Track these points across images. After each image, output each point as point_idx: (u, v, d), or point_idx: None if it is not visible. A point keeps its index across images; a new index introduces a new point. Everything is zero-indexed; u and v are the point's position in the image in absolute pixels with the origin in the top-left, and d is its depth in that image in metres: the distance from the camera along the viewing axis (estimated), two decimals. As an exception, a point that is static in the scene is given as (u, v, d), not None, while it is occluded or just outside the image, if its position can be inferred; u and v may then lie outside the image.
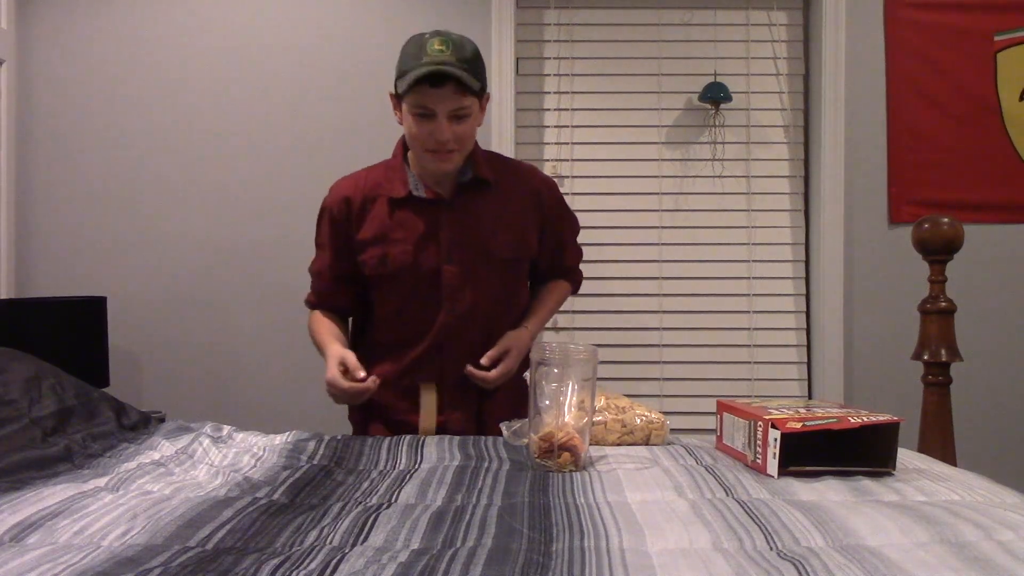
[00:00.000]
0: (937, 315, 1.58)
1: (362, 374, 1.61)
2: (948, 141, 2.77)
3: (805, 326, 2.86)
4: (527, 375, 1.35)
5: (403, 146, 1.76)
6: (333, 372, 1.62)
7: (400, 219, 1.70)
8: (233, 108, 2.77)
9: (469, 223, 1.71)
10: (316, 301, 1.85)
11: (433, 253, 1.69)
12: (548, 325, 2.78)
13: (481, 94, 1.65)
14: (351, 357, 1.64)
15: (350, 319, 1.88)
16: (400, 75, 1.61)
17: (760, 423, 1.25)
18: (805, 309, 2.87)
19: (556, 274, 1.91)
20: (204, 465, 1.31)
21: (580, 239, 1.94)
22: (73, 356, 2.35)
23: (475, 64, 1.61)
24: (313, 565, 0.84)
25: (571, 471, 1.26)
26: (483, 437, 1.52)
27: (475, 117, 1.65)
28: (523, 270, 1.82)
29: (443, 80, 1.56)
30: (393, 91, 1.67)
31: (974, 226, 2.68)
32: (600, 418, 1.46)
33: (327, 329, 1.77)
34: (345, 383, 1.60)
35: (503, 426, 1.49)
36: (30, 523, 0.98)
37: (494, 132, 2.76)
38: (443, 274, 1.69)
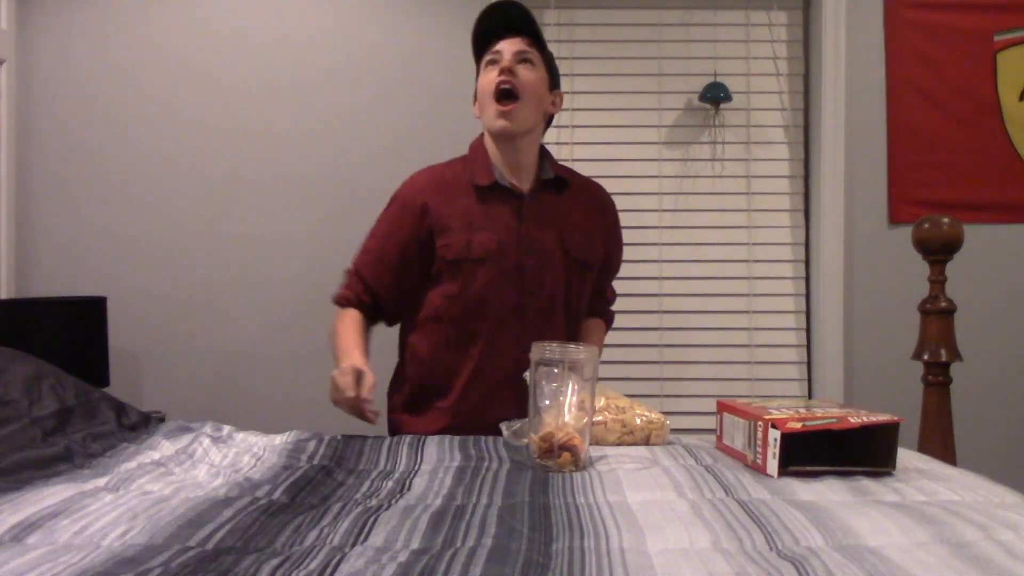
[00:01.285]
0: (937, 315, 1.58)
1: (370, 397, 1.53)
2: (948, 141, 2.77)
3: (805, 326, 2.86)
4: (527, 375, 1.35)
5: (481, 138, 1.80)
6: (346, 377, 1.54)
7: (484, 207, 1.71)
8: (233, 108, 2.77)
9: (547, 219, 1.74)
10: (355, 295, 1.79)
11: (515, 244, 1.71)
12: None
13: (544, 50, 1.74)
14: (370, 377, 1.54)
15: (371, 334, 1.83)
16: (473, 44, 1.76)
17: (760, 423, 1.25)
18: (805, 309, 2.87)
19: (597, 303, 1.92)
20: (204, 465, 1.31)
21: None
22: (73, 356, 2.35)
23: (530, 14, 1.73)
24: (313, 565, 0.84)
25: (571, 471, 1.26)
26: (483, 437, 1.52)
27: (540, 73, 1.72)
28: (589, 277, 1.83)
29: (507, 25, 1.70)
30: (475, 87, 1.77)
31: (974, 226, 2.68)
32: (600, 418, 1.46)
33: (353, 334, 1.72)
34: (351, 386, 1.52)
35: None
36: (30, 523, 0.98)
37: (494, 132, 2.75)
38: (525, 265, 1.71)
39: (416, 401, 1.79)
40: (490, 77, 1.70)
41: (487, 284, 1.70)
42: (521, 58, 1.69)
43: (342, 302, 1.82)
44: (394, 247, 1.76)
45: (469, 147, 1.82)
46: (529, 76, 1.69)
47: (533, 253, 1.72)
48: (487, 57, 1.72)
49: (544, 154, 1.81)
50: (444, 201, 1.73)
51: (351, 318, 1.77)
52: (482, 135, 1.81)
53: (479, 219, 1.71)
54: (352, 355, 1.63)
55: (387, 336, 1.90)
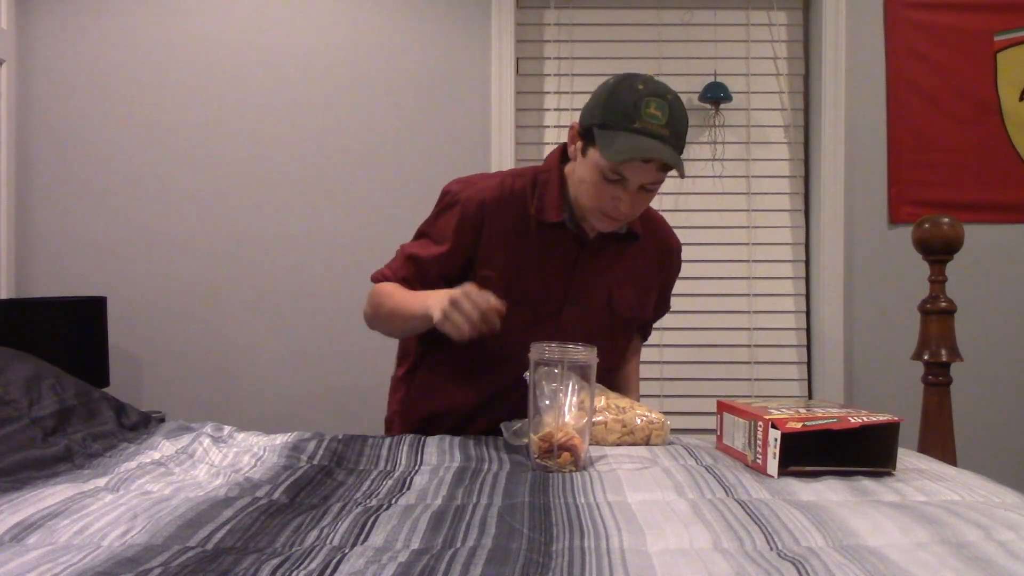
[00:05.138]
0: (937, 315, 1.58)
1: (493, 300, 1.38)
2: (948, 141, 2.77)
3: (805, 326, 2.86)
4: (527, 375, 1.35)
5: (559, 160, 1.61)
6: (468, 287, 1.40)
7: (541, 245, 1.57)
8: (233, 108, 2.77)
9: (601, 270, 1.61)
10: (399, 281, 1.61)
11: (559, 290, 1.59)
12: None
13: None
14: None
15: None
16: (603, 124, 1.44)
17: (760, 423, 1.25)
18: (805, 309, 2.87)
19: (640, 327, 1.84)
20: (204, 465, 1.31)
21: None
22: (73, 356, 2.35)
23: (684, 136, 1.50)
24: (313, 565, 0.84)
25: (571, 471, 1.26)
26: (483, 437, 1.52)
27: (656, 189, 1.51)
28: (632, 330, 1.75)
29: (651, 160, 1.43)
30: (578, 125, 1.52)
31: (974, 226, 2.68)
32: (600, 418, 1.46)
33: (416, 293, 1.56)
34: (480, 296, 1.37)
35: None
36: (30, 523, 0.98)
37: (494, 131, 2.76)
38: (563, 314, 1.59)
39: (417, 422, 1.69)
40: (604, 191, 1.47)
41: (515, 325, 1.51)
42: (645, 188, 1.48)
43: (379, 279, 1.65)
44: (446, 258, 1.59)
45: (545, 161, 1.64)
46: (644, 200, 1.51)
47: (576, 304, 1.60)
48: (611, 173, 1.45)
49: None
50: (500, 227, 1.56)
51: (395, 286, 1.61)
52: (562, 153, 1.61)
53: (529, 262, 1.56)
54: (432, 293, 1.48)
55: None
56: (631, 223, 1.61)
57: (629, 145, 1.41)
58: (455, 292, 1.39)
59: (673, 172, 1.47)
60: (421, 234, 1.67)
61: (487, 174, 1.66)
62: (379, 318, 1.63)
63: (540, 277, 1.57)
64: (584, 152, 1.50)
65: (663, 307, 1.82)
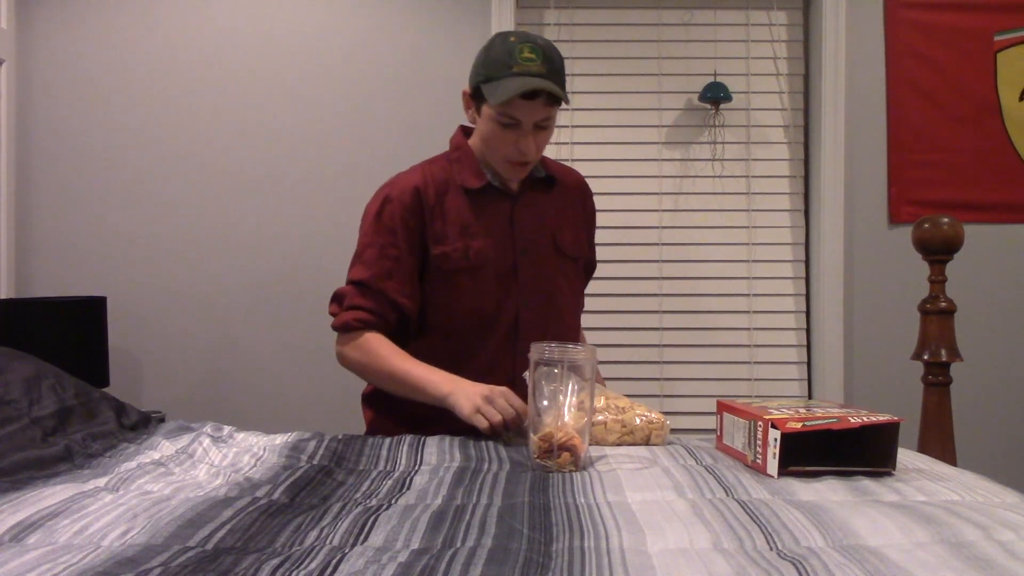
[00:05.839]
0: (937, 315, 1.58)
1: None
2: (948, 141, 2.77)
3: (805, 326, 2.86)
4: (527, 375, 1.35)
5: (463, 136, 1.74)
6: (503, 388, 1.49)
7: (477, 210, 1.66)
8: (233, 108, 2.77)
9: (537, 217, 1.71)
10: (375, 316, 1.64)
11: (509, 246, 1.67)
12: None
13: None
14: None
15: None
16: (486, 79, 1.58)
17: (760, 423, 1.25)
18: (805, 309, 2.87)
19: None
20: (204, 465, 1.31)
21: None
22: (73, 356, 2.35)
23: (563, 73, 1.60)
24: (313, 565, 0.84)
25: (571, 471, 1.25)
26: (484, 437, 1.52)
27: (552, 125, 1.63)
28: (581, 270, 1.84)
29: (536, 94, 1.54)
30: (468, 89, 1.65)
31: (974, 226, 2.68)
32: (600, 418, 1.46)
33: (415, 362, 1.60)
34: (515, 397, 1.48)
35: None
36: (30, 523, 0.98)
37: (494, 132, 2.76)
38: (519, 267, 1.67)
39: (401, 415, 1.68)
40: (505, 139, 1.60)
41: (483, 292, 1.65)
42: (539, 125, 1.60)
43: (357, 325, 1.65)
44: (407, 250, 1.64)
45: (450, 144, 1.74)
46: (544, 139, 1.63)
47: (527, 254, 1.68)
48: (503, 118, 1.58)
49: None
50: (438, 205, 1.65)
51: (387, 343, 1.63)
52: (462, 131, 1.75)
53: (474, 224, 1.65)
54: (459, 380, 1.54)
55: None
56: (545, 168, 1.75)
57: (511, 86, 1.53)
58: (490, 391, 1.47)
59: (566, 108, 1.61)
60: (366, 247, 1.66)
61: (403, 171, 1.73)
62: (369, 374, 1.67)
63: (487, 239, 1.66)
64: (479, 111, 1.64)
65: (592, 259, 1.91)
